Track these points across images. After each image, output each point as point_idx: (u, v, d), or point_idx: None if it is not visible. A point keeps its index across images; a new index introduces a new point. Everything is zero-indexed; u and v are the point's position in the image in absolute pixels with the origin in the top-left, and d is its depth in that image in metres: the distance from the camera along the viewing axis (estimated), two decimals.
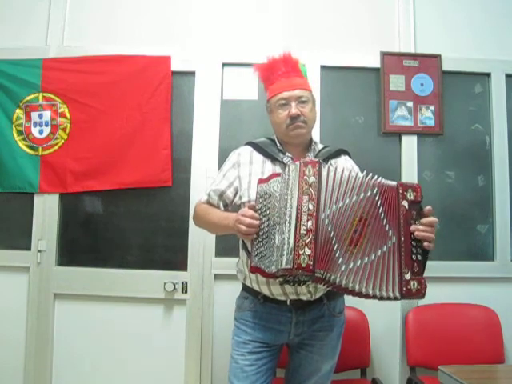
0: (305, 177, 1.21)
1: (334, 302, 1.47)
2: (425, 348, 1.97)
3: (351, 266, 1.20)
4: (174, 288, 2.05)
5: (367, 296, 1.21)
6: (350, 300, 1.67)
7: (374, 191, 1.24)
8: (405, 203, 1.25)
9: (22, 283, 2.12)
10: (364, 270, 1.21)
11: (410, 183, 1.29)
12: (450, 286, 2.11)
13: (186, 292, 2.07)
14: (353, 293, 1.21)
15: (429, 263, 2.04)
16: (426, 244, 1.25)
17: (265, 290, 1.41)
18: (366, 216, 1.23)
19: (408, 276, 1.22)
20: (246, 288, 1.49)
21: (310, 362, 1.47)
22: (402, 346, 2.07)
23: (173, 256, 2.12)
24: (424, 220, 1.26)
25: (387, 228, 1.24)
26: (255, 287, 1.43)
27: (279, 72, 1.47)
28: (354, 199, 1.23)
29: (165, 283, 2.05)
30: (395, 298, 1.22)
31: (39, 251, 2.10)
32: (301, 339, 1.45)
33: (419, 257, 1.25)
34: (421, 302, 2.08)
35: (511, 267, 2.14)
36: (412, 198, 1.26)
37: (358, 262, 1.21)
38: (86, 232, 2.16)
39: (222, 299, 2.04)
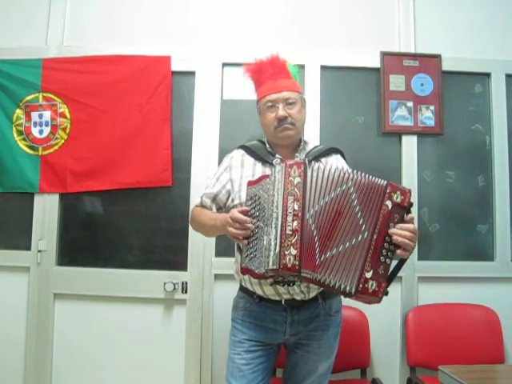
0: (290, 178, 1.22)
1: (330, 302, 1.47)
2: (425, 348, 1.97)
3: (322, 258, 1.21)
4: (174, 288, 2.05)
5: (324, 285, 1.20)
6: (349, 300, 1.68)
7: (349, 185, 1.23)
8: (388, 203, 1.21)
9: (22, 283, 2.12)
10: (331, 260, 1.20)
11: (401, 186, 1.24)
12: (450, 285, 2.11)
13: (185, 292, 2.07)
14: (317, 283, 1.21)
15: (429, 263, 2.12)
16: (399, 251, 1.20)
17: (258, 291, 1.41)
18: (341, 210, 1.22)
19: (369, 275, 1.18)
20: (242, 288, 1.50)
21: (306, 361, 1.47)
22: (402, 346, 2.07)
23: (173, 256, 2.12)
24: (400, 225, 1.21)
25: (361, 222, 1.22)
26: (249, 287, 1.44)
27: (267, 74, 1.48)
28: (332, 195, 1.23)
29: (165, 283, 2.05)
30: (349, 292, 1.19)
31: (39, 251, 2.10)
32: (297, 339, 1.45)
33: (388, 261, 1.20)
34: (421, 302, 2.09)
35: (511, 267, 2.14)
36: (398, 200, 1.21)
37: (328, 254, 1.21)
38: (86, 232, 2.16)
39: (221, 299, 2.04)
